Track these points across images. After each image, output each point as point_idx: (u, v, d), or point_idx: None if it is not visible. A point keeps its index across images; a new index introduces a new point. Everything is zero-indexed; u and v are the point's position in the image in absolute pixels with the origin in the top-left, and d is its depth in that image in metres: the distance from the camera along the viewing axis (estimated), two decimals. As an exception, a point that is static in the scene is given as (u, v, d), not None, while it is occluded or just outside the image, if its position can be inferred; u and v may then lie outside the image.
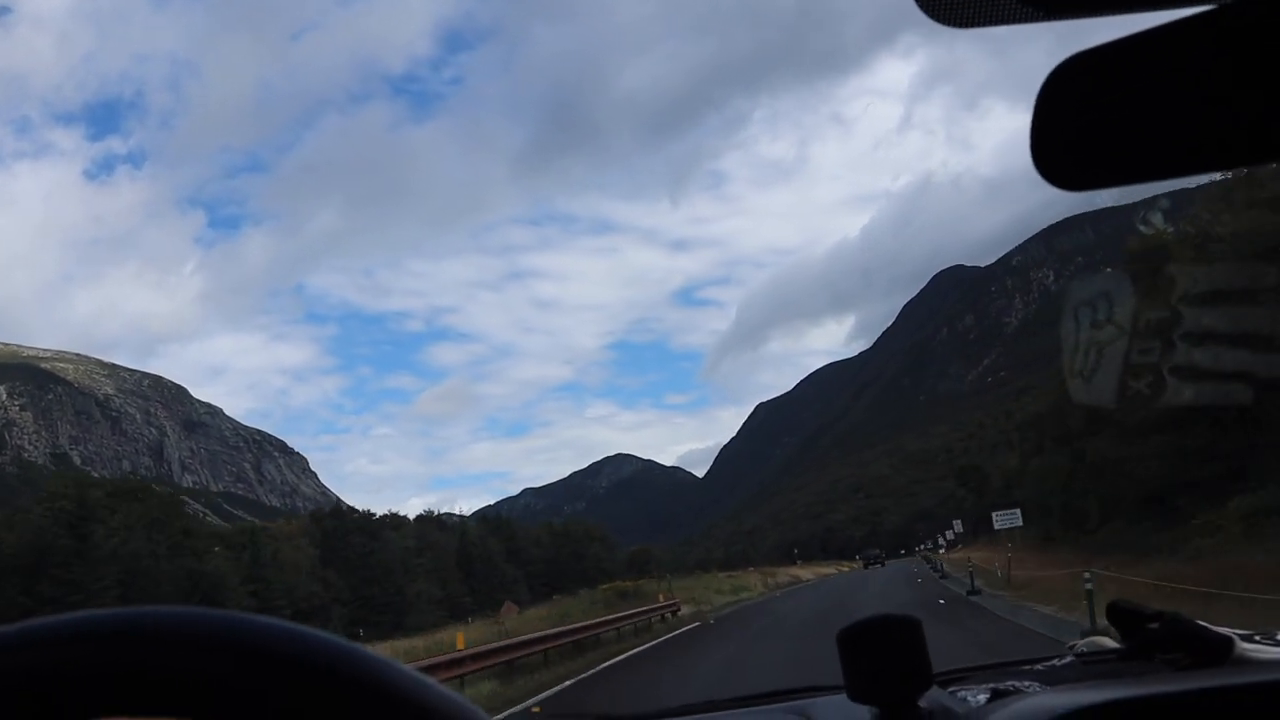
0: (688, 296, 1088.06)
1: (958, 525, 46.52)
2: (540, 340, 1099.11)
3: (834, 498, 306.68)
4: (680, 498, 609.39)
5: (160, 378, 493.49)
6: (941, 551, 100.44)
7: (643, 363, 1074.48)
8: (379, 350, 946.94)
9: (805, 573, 66.70)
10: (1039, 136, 0.64)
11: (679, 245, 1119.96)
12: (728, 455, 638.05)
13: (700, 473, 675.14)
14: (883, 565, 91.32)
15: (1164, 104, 0.64)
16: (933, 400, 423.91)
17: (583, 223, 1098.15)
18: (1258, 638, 1.15)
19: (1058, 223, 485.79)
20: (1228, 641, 1.04)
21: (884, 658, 0.96)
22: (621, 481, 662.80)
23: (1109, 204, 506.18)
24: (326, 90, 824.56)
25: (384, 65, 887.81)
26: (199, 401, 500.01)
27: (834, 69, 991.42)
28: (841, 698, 1.07)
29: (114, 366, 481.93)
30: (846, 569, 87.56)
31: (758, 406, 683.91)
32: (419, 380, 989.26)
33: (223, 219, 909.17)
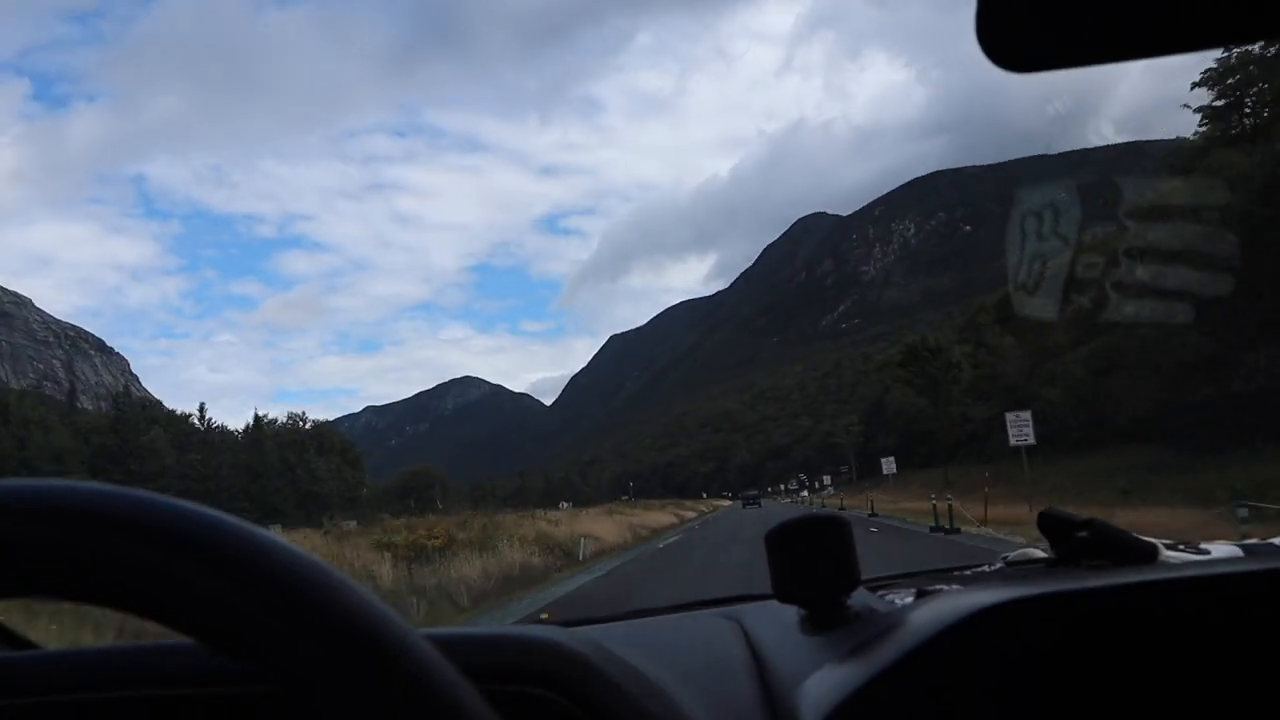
0: (552, 224, 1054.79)
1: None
2: (398, 256, 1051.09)
3: (679, 432, 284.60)
4: (527, 425, 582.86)
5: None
6: (830, 494, 74.43)
7: (502, 287, 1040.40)
8: (226, 254, 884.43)
9: (614, 531, 31.60)
10: (985, 12, 0.55)
11: (548, 171, 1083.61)
12: (577, 385, 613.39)
13: (549, 401, 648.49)
14: (759, 506, 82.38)
15: None
16: (786, 341, 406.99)
17: (450, 138, 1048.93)
18: (1181, 546, 1.16)
19: (924, 176, 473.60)
20: (1152, 548, 1.06)
21: (811, 558, 0.95)
22: (468, 404, 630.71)
23: (981, 161, 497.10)
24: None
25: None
26: (2, 289, 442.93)
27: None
28: (771, 603, 1.06)
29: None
30: (693, 515, 57.91)
31: (611, 338, 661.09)
32: (269, 289, 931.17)
33: (52, 93, 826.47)
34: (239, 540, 0.44)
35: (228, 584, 0.43)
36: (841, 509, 53.88)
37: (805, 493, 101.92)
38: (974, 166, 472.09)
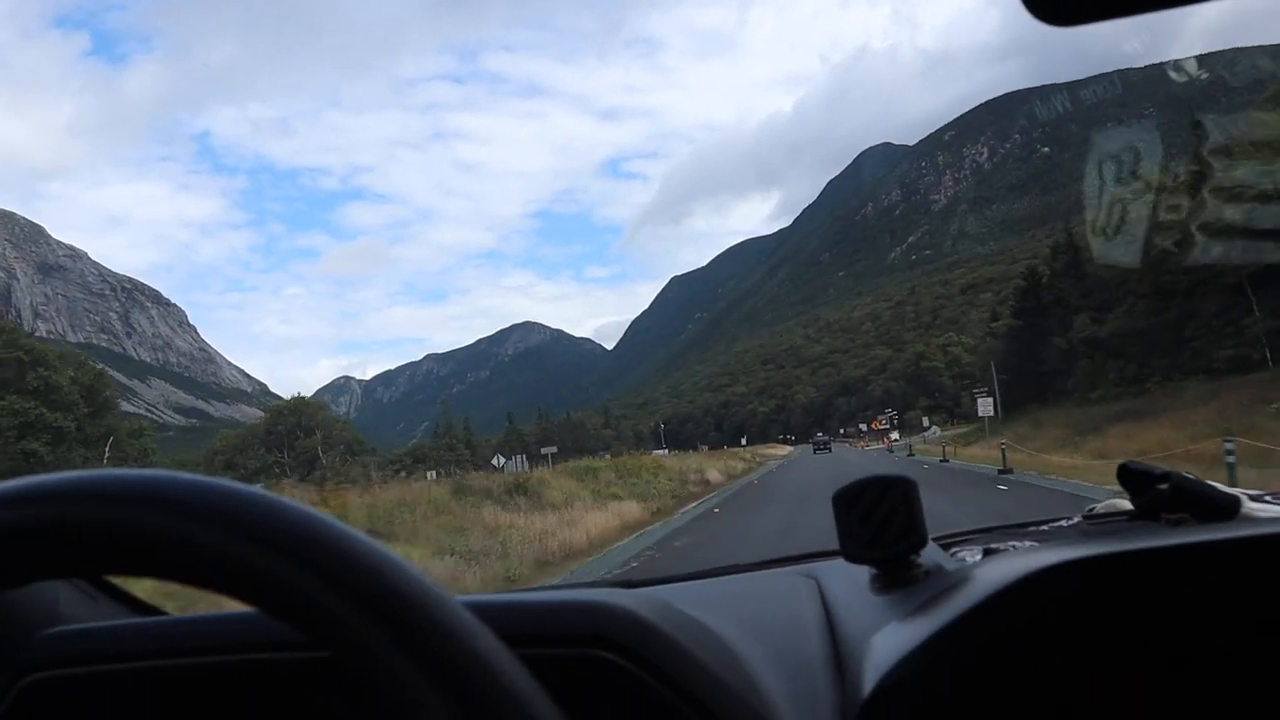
0: (614, 168, 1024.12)
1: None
2: (462, 204, 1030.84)
3: (738, 370, 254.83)
4: (588, 369, 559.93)
5: (11, 214, 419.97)
6: (935, 437, 44.36)
7: (565, 233, 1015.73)
8: (292, 207, 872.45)
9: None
10: None
11: (609, 115, 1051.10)
12: (638, 328, 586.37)
13: (610, 345, 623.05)
14: (829, 451, 74.22)
15: None
16: (853, 276, 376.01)
17: (510, 84, 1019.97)
18: (1268, 497, 1.10)
19: (997, 98, 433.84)
20: (1235, 500, 0.99)
21: (879, 517, 0.93)
22: (529, 350, 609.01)
23: (1054, 80, 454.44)
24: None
25: None
26: (58, 243, 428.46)
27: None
28: (843, 560, 1.04)
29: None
30: (721, 479, 27.99)
31: (672, 280, 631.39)
32: (335, 241, 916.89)
33: (113, 50, 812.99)
34: (291, 520, 0.45)
35: (282, 562, 0.44)
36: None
37: (896, 435, 72.27)
38: (1052, 85, 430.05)
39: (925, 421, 77.23)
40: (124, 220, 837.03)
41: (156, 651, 0.86)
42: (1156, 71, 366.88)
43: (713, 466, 34.84)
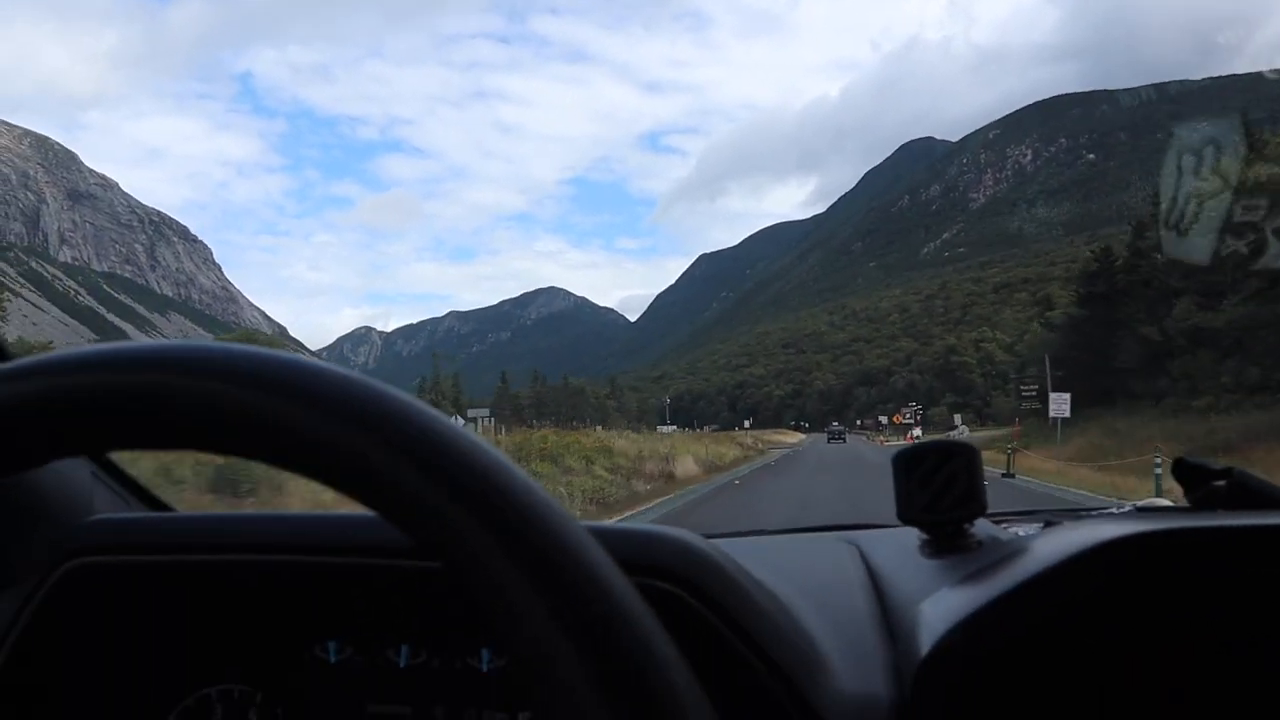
0: (653, 141, 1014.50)
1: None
2: (497, 165, 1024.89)
3: (758, 351, 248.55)
4: (609, 339, 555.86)
5: (46, 139, 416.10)
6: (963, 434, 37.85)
7: (598, 202, 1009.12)
8: (328, 155, 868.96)
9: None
10: None
11: (652, 87, 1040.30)
12: (663, 303, 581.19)
13: (634, 317, 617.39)
14: (844, 441, 70.33)
15: None
16: (884, 267, 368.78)
17: (555, 48, 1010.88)
18: None
19: (1046, 100, 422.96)
20: None
21: (939, 482, 0.91)
22: (552, 315, 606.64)
23: (1107, 86, 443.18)
24: None
25: None
26: (91, 171, 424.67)
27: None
28: (890, 530, 1.03)
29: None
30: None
31: (700, 257, 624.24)
32: (369, 191, 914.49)
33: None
34: (416, 419, 0.42)
35: (400, 460, 0.41)
36: None
37: (919, 431, 66.23)
38: (1103, 91, 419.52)
39: (957, 420, 70.02)
40: (161, 154, 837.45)
41: (197, 546, 0.87)
42: (1214, 84, 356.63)
43: (690, 453, 27.51)
